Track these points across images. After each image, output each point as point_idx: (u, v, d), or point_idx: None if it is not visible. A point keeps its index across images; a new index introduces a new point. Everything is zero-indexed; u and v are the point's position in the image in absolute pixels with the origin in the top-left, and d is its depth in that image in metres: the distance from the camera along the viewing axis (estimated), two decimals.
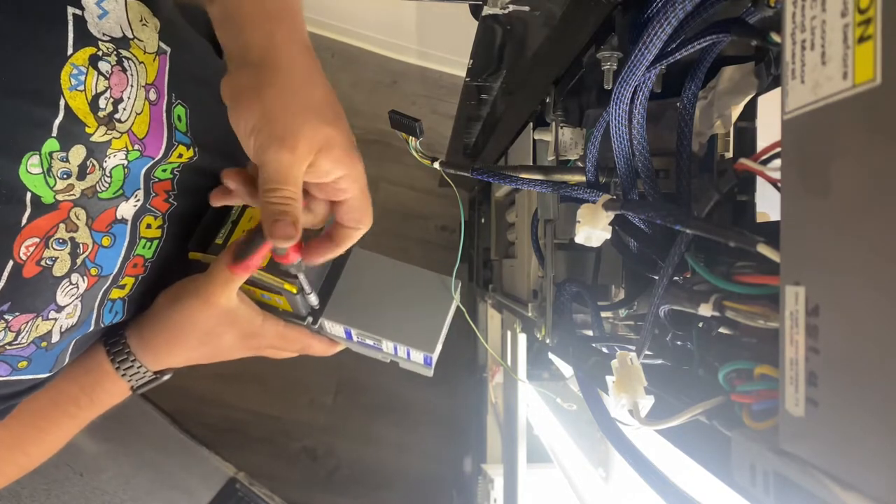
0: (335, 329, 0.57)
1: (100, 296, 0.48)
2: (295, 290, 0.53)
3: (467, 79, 0.72)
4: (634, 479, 0.37)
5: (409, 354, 0.56)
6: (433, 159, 0.47)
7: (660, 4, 0.35)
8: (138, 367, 0.52)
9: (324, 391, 1.75)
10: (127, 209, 0.48)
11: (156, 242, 0.52)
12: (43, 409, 0.51)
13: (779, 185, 0.24)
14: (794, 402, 0.23)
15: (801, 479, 0.22)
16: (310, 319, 0.56)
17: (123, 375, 0.52)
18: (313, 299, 0.54)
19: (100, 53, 0.41)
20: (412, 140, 0.47)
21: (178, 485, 1.45)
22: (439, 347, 0.55)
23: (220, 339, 0.53)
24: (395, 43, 1.75)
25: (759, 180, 0.38)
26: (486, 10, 0.50)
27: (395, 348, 0.56)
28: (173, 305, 0.51)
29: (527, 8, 0.49)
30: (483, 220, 1.23)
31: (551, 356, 0.65)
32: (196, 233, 0.55)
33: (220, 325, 0.52)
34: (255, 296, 0.56)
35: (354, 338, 0.57)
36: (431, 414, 1.71)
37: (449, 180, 0.56)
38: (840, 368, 0.20)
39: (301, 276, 0.50)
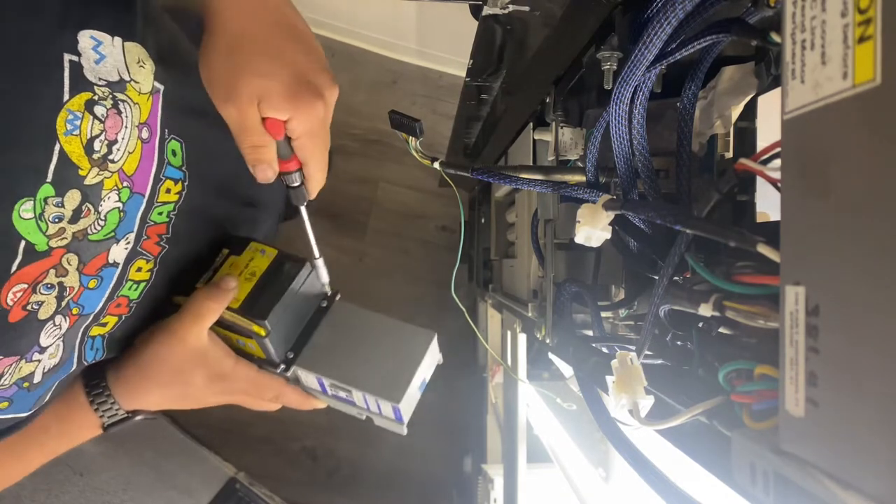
0: (309, 380, 0.57)
1: (80, 333, 0.48)
2: (264, 333, 0.53)
3: (467, 79, 0.72)
4: (634, 479, 0.37)
5: (379, 407, 0.55)
6: (433, 159, 0.47)
7: (660, 4, 0.35)
8: (111, 403, 0.52)
9: None
10: (118, 252, 0.47)
11: (143, 284, 0.52)
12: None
13: (779, 185, 0.24)
14: (794, 402, 0.23)
15: (801, 479, 0.22)
16: (282, 367, 0.56)
17: (96, 410, 0.52)
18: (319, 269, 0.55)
19: (96, 98, 0.41)
20: (412, 140, 0.47)
21: (178, 485, 1.45)
22: (408, 400, 0.54)
23: (190, 378, 0.53)
24: (395, 43, 1.75)
25: (759, 180, 0.38)
26: (486, 10, 0.50)
27: (366, 401, 0.55)
28: (147, 341, 0.52)
29: (527, 8, 0.49)
30: (483, 220, 1.23)
31: (551, 356, 0.65)
32: (184, 280, 0.56)
33: (189, 363, 0.52)
34: (231, 341, 0.56)
35: (328, 390, 0.57)
36: (431, 414, 1.70)
37: (449, 180, 0.56)
38: (840, 368, 0.20)
39: (303, 209, 0.52)
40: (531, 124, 0.70)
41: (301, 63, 0.45)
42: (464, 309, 0.65)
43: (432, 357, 0.57)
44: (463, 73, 0.71)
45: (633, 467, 0.34)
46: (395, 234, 1.78)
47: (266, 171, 0.47)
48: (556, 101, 0.56)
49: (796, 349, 0.23)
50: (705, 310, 0.33)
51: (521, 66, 0.64)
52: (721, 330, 0.35)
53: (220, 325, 0.54)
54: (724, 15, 0.35)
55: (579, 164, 0.51)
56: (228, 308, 0.53)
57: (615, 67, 0.44)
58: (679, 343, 0.40)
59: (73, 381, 0.52)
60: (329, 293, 0.60)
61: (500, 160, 0.94)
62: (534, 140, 0.68)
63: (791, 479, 0.23)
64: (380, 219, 1.78)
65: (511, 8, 0.49)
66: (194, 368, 0.53)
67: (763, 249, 0.26)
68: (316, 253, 0.55)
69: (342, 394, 0.56)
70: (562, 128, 0.52)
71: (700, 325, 0.37)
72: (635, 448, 0.35)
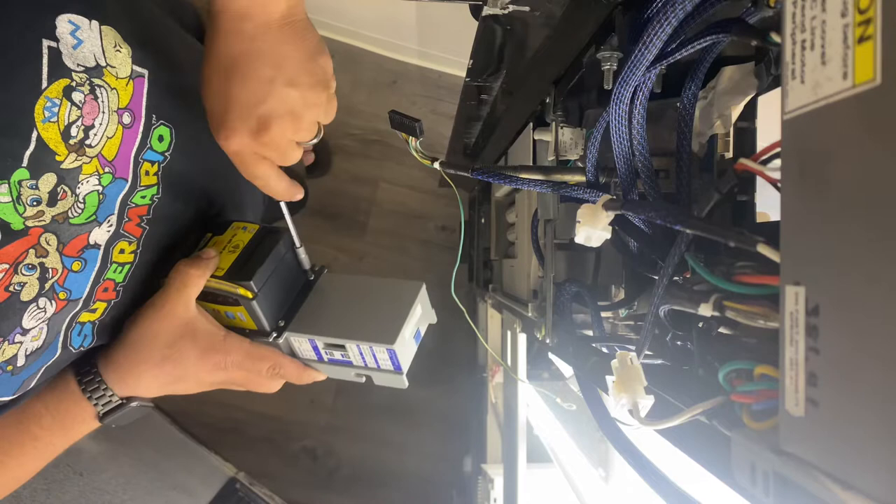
0: (303, 347, 0.57)
1: (68, 319, 0.48)
2: (250, 296, 0.53)
3: (467, 79, 0.72)
4: (634, 479, 0.37)
5: (376, 359, 0.55)
6: (433, 159, 0.47)
7: (660, 4, 0.35)
8: (104, 390, 0.51)
9: (324, 391, 1.75)
10: (100, 235, 0.47)
11: (127, 267, 0.51)
12: (6, 427, 0.49)
13: (779, 185, 0.24)
14: (794, 402, 0.23)
15: (801, 479, 0.22)
16: (274, 335, 0.56)
17: (90, 398, 0.51)
18: (301, 252, 0.57)
19: (73, 84, 0.41)
20: (412, 140, 0.47)
21: (178, 485, 1.45)
22: (403, 345, 0.53)
23: (181, 353, 0.52)
24: (395, 43, 1.75)
25: (759, 180, 0.38)
26: (486, 10, 0.50)
27: (362, 355, 0.55)
28: (134, 322, 0.52)
29: (527, 8, 0.49)
30: (483, 220, 1.23)
31: (551, 356, 0.65)
32: (169, 263, 0.56)
33: (179, 338, 0.52)
34: (221, 316, 0.56)
35: (324, 355, 0.57)
36: (432, 414, 1.71)
37: (449, 180, 0.56)
38: (840, 368, 0.20)
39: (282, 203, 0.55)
40: (531, 124, 0.70)
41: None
42: (464, 309, 0.65)
43: (424, 309, 0.58)
44: (463, 73, 0.71)
45: (633, 467, 0.34)
46: (394, 234, 1.78)
47: (292, 191, 0.51)
48: (556, 101, 0.56)
49: (796, 349, 0.23)
50: (705, 310, 0.33)
51: (521, 66, 0.64)
52: (721, 330, 0.35)
53: (207, 300, 0.54)
54: (724, 15, 0.35)
55: (579, 164, 0.51)
56: (213, 276, 0.53)
57: (615, 67, 0.44)
58: (679, 343, 0.40)
59: (64, 371, 0.51)
60: (316, 268, 0.60)
61: (500, 160, 0.94)
62: (534, 140, 0.68)
63: (791, 479, 0.23)
64: (380, 219, 1.78)
65: (511, 8, 0.49)
66: (185, 343, 0.52)
67: (763, 249, 0.26)
68: (297, 242, 0.57)
69: (338, 354, 0.56)
70: (562, 128, 0.52)
71: (700, 325, 0.37)
72: (635, 448, 0.35)
